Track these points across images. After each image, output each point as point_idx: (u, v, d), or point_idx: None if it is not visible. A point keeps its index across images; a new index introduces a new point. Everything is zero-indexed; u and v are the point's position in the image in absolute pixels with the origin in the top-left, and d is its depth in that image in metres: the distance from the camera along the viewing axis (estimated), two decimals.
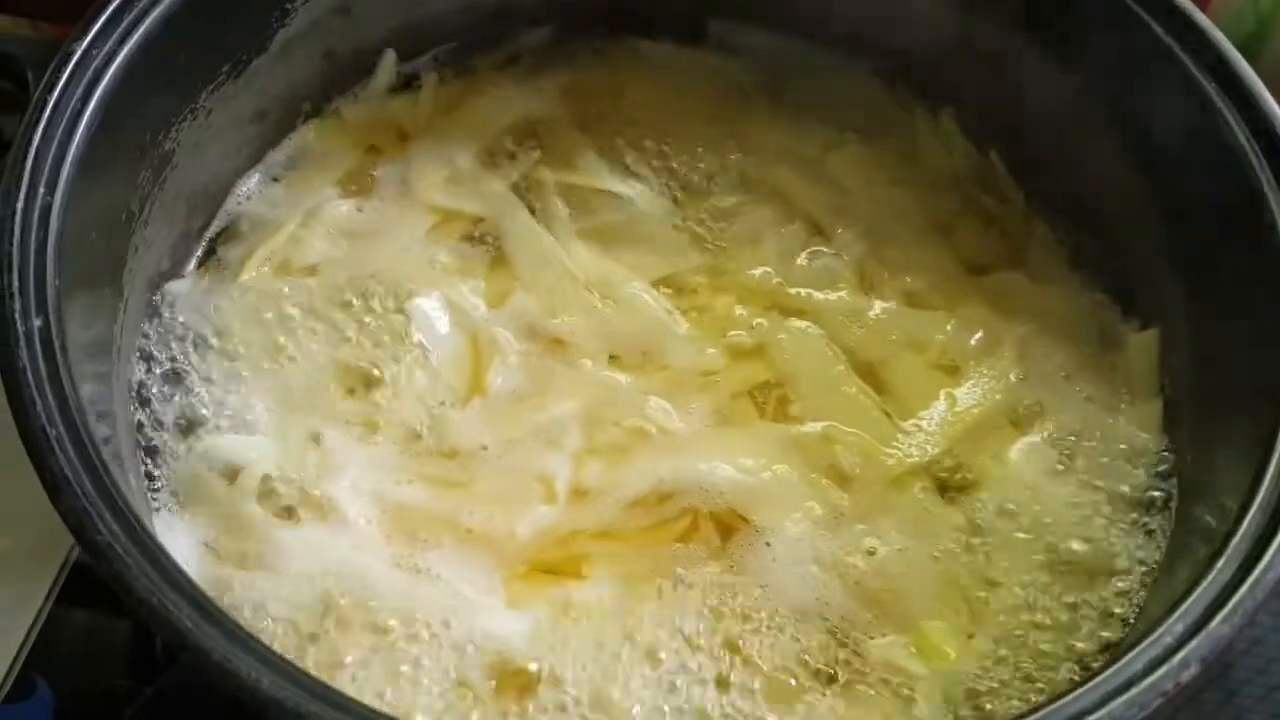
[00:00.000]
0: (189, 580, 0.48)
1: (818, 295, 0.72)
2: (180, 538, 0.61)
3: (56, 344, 0.53)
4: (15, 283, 0.53)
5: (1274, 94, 0.64)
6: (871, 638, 0.61)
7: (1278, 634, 0.74)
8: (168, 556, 0.48)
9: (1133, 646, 0.49)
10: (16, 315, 0.53)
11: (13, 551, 0.73)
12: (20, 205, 0.55)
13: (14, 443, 0.71)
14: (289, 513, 0.63)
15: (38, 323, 0.53)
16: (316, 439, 0.65)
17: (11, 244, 0.54)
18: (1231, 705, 0.72)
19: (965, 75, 0.77)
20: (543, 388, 0.68)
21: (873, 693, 0.59)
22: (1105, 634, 0.61)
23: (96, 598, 0.73)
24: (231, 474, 0.64)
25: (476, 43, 0.81)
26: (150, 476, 0.63)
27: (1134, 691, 0.47)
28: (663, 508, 0.65)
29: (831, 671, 0.60)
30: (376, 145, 0.77)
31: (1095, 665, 0.59)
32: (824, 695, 0.59)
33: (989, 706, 0.59)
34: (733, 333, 0.71)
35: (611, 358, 0.70)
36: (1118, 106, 0.70)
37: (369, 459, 0.65)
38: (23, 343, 0.52)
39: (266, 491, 0.63)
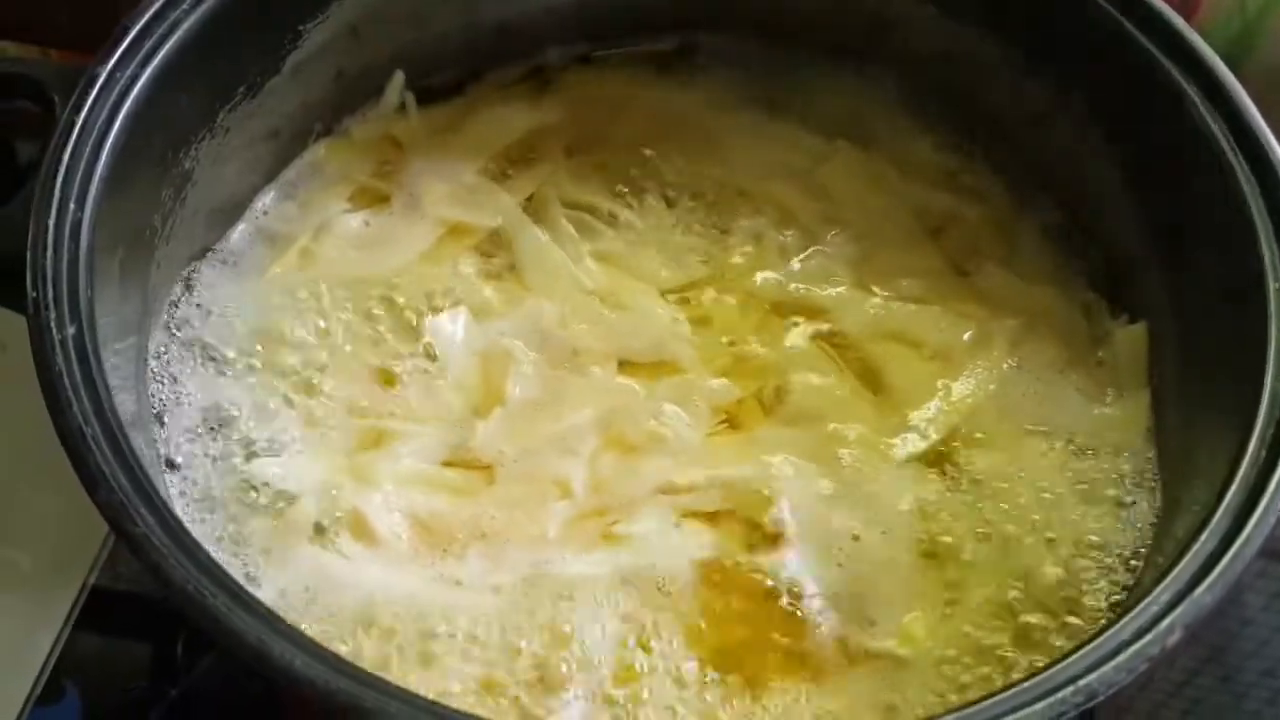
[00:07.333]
0: (220, 569, 0.50)
1: (817, 291, 0.75)
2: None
3: (89, 350, 0.55)
4: (50, 293, 0.55)
5: (1262, 97, 0.66)
6: (863, 623, 0.63)
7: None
8: (199, 547, 0.50)
9: (1122, 617, 0.51)
10: (51, 324, 0.55)
11: (33, 568, 0.75)
12: (52, 220, 0.57)
13: (33, 465, 0.73)
14: (323, 532, 0.64)
15: (71, 331, 0.55)
16: (344, 453, 0.67)
17: (45, 257, 0.56)
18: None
19: (951, 81, 0.79)
20: (558, 396, 0.70)
21: (861, 673, 0.61)
22: (1096, 615, 0.62)
23: (111, 623, 0.75)
24: (251, 487, 0.65)
25: (479, 63, 0.83)
26: (174, 472, 0.65)
27: (1122, 657, 0.49)
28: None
29: (819, 656, 0.62)
30: (385, 162, 0.79)
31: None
32: (811, 680, 0.61)
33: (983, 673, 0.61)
34: (737, 338, 0.73)
35: (621, 364, 0.72)
36: (1097, 108, 0.72)
37: (396, 472, 0.66)
38: (58, 350, 0.54)
39: (304, 513, 0.64)
